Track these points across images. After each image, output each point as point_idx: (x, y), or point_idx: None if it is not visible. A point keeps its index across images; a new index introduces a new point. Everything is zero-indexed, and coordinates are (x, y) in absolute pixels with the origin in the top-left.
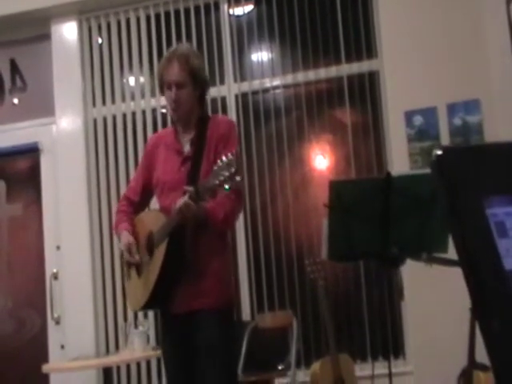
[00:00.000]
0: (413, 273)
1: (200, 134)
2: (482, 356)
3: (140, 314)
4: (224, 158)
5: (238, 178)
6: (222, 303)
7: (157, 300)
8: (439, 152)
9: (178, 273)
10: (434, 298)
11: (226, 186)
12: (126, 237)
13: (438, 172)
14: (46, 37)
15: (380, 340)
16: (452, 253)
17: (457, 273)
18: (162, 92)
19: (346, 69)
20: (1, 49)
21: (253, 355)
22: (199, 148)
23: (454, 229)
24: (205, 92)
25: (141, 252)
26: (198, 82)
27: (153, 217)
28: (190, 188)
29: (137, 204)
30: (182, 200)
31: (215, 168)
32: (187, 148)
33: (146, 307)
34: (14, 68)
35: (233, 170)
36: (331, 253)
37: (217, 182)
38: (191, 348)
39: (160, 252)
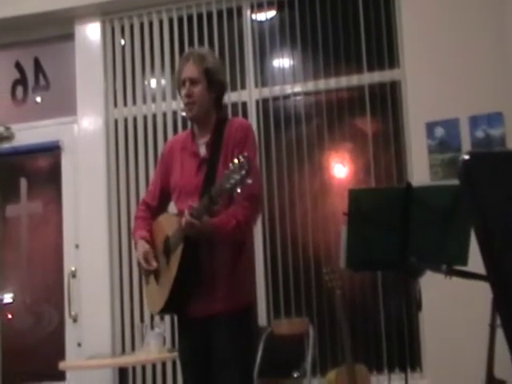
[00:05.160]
0: (431, 284)
1: (216, 136)
2: (500, 371)
3: (156, 316)
4: (236, 161)
5: (249, 181)
6: (237, 309)
7: (174, 304)
8: (466, 157)
9: (194, 277)
10: (452, 310)
11: (238, 189)
12: (142, 246)
13: (465, 177)
14: (69, 37)
15: (397, 351)
16: (471, 265)
17: (476, 286)
18: (180, 93)
19: (368, 78)
20: (25, 47)
21: (268, 361)
22: (215, 151)
23: (480, 228)
24: (222, 95)
25: (158, 257)
26: (213, 82)
27: (169, 221)
28: (194, 204)
29: (155, 208)
30: (183, 219)
31: (226, 172)
32: (203, 151)
33: (163, 311)
34: (38, 67)
35: (244, 172)
36: (349, 261)
37: (228, 185)
38: (207, 353)
39: (176, 256)
